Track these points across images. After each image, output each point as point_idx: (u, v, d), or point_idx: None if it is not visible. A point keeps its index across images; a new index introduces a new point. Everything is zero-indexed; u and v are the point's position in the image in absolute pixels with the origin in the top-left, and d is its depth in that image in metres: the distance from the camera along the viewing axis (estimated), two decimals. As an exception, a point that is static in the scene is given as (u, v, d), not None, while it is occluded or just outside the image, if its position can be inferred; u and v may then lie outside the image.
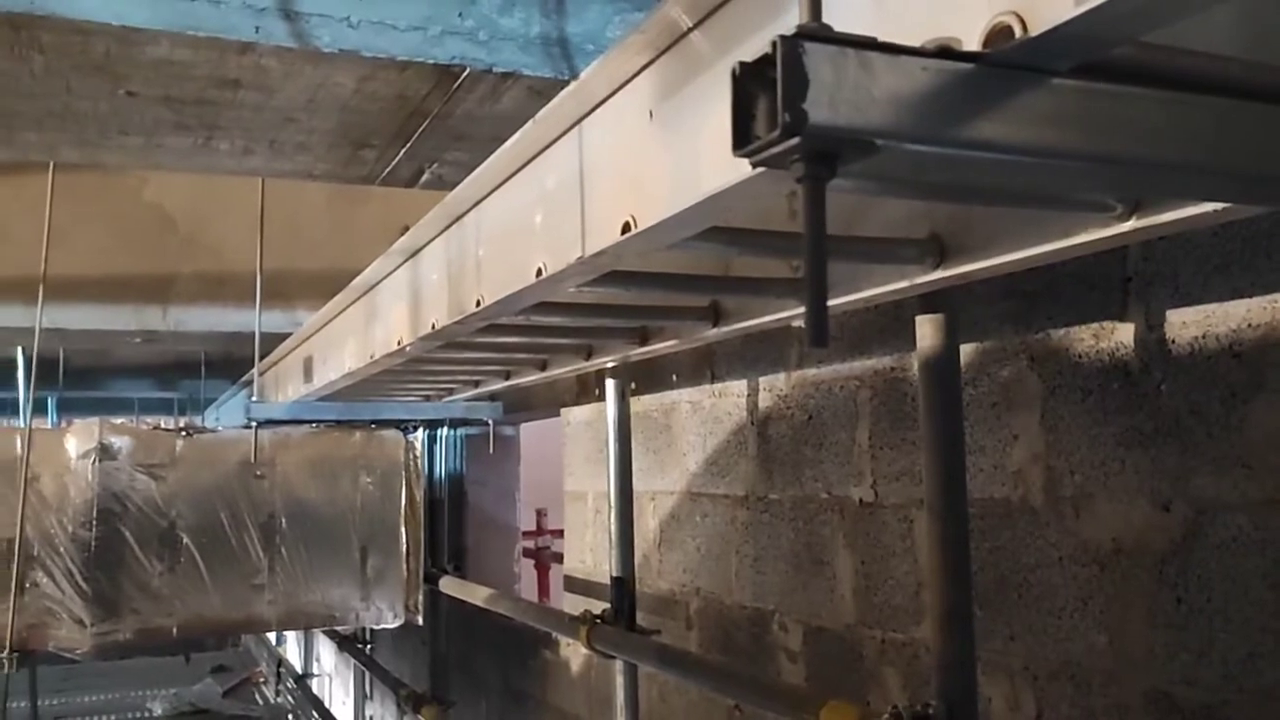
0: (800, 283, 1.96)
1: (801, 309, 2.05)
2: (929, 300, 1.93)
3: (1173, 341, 2.03)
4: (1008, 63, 0.78)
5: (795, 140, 0.70)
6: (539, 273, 1.78)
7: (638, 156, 1.44)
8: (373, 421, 5.13)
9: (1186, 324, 1.99)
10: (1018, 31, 0.78)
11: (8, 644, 4.39)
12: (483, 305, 2.09)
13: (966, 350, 2.40)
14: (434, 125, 2.18)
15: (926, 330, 1.98)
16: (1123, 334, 2.13)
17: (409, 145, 2.30)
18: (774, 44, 0.71)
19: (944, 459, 1.98)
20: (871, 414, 2.84)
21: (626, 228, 1.46)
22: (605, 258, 1.56)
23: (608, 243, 1.51)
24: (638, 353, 2.70)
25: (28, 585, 4.41)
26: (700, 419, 3.71)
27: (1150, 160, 0.88)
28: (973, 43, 0.82)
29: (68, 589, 4.41)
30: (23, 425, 4.74)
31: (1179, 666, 1.99)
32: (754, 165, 0.76)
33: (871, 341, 2.82)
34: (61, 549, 4.42)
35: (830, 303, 1.85)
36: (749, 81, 0.75)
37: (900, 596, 2.68)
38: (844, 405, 2.94)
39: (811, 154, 0.71)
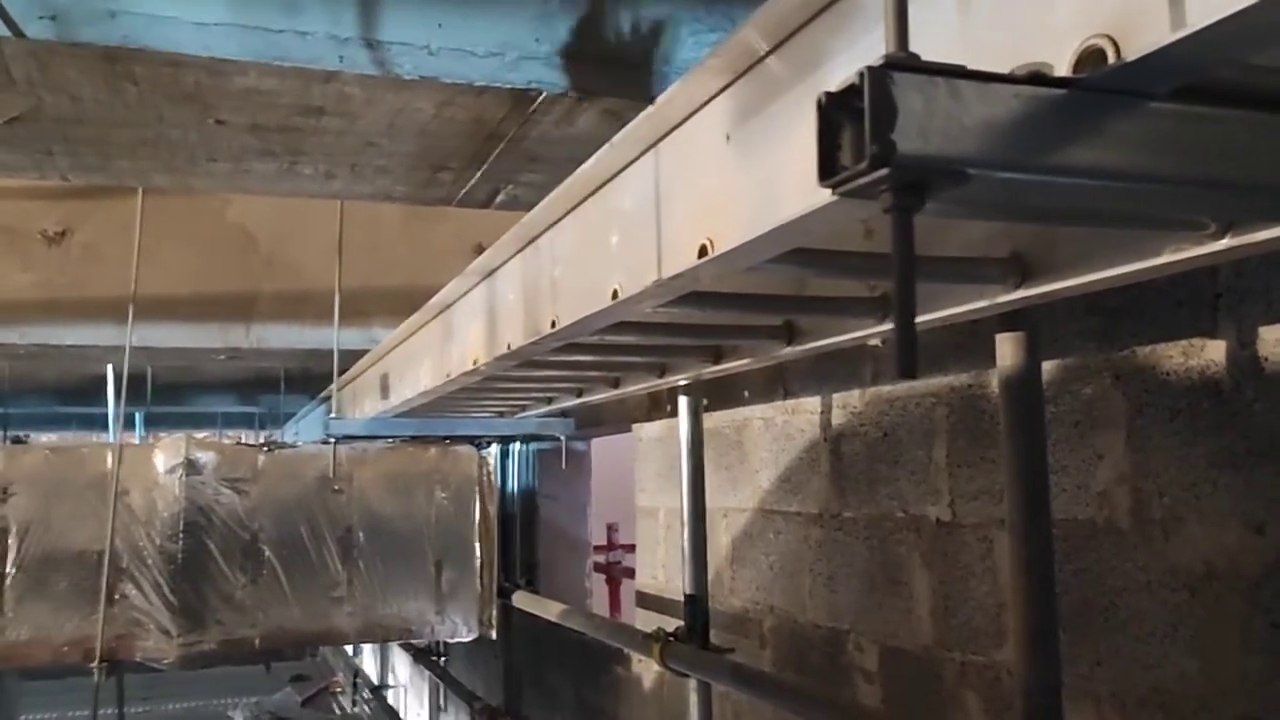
0: (876, 302, 1.95)
1: (878, 328, 2.04)
2: (1009, 318, 1.90)
3: (1265, 359, 1.96)
4: (1101, 87, 0.76)
5: (884, 171, 0.70)
6: (615, 294, 1.79)
7: (714, 180, 1.44)
8: (447, 437, 5.19)
9: (1280, 341, 1.93)
10: (1110, 55, 0.77)
11: (98, 654, 4.52)
12: (558, 326, 2.11)
13: (1048, 367, 2.35)
14: (509, 148, 2.20)
15: (1007, 348, 1.94)
16: (1213, 351, 2.07)
17: (485, 167, 2.33)
18: (861, 74, 0.70)
19: (1026, 478, 1.94)
20: (949, 431, 2.79)
21: (703, 251, 1.46)
22: (682, 280, 1.57)
23: (684, 266, 1.51)
24: (710, 371, 2.70)
25: (117, 597, 4.55)
26: (773, 435, 3.69)
27: (1248, 183, 0.86)
28: (1063, 67, 0.80)
29: (155, 600, 4.54)
30: (113, 441, 4.89)
31: (1273, 693, 1.92)
32: (840, 196, 0.75)
33: (948, 358, 2.78)
34: (149, 561, 4.55)
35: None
36: (834, 111, 0.75)
37: (980, 618, 2.63)
38: (920, 422, 2.90)
39: (900, 184, 0.71)
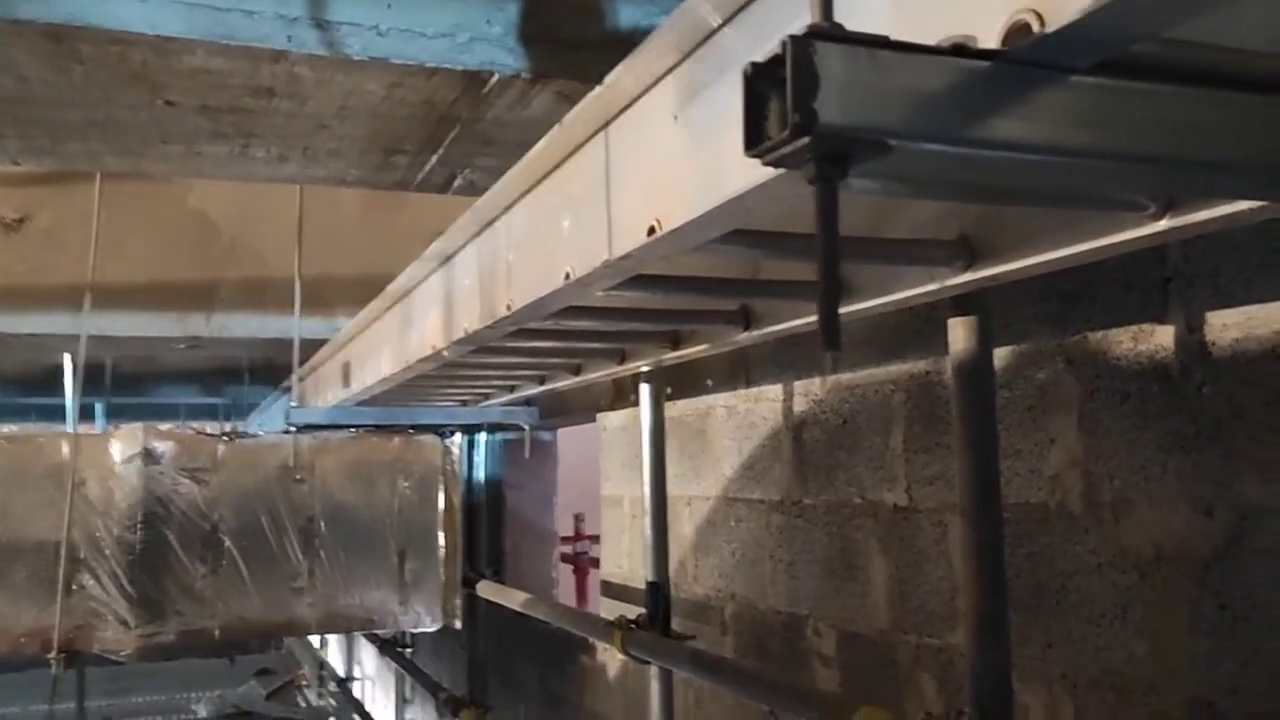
0: (831, 286, 1.95)
1: (832, 312, 2.05)
2: (961, 302, 1.91)
3: (1214, 343, 1.99)
4: (1026, 60, 0.77)
5: (805, 140, 0.70)
6: (567, 276, 1.79)
7: (663, 159, 1.44)
8: (411, 426, 5.17)
9: (1228, 325, 1.95)
10: (1036, 28, 0.77)
11: (55, 645, 4.47)
12: (512, 309, 2.10)
13: (1001, 353, 2.37)
14: (464, 131, 2.19)
15: (959, 333, 1.95)
16: (1162, 336, 2.09)
17: (440, 151, 2.32)
18: (784, 43, 0.70)
19: (978, 463, 1.96)
20: (905, 418, 2.81)
21: (652, 230, 1.46)
22: (631, 261, 1.56)
23: (633, 246, 1.51)
24: (670, 357, 2.70)
25: (74, 588, 4.49)
26: (735, 424, 3.70)
27: (1177, 158, 0.87)
28: (991, 40, 0.81)
29: (113, 591, 4.48)
30: (70, 430, 4.83)
31: (1222, 675, 1.95)
32: (766, 165, 0.75)
33: (906, 344, 2.80)
34: (107, 552, 4.50)
35: (860, 306, 1.83)
36: (761, 81, 0.75)
37: (935, 602, 2.65)
38: (878, 409, 2.92)
39: (822, 154, 0.71)
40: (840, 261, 0.70)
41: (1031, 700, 2.32)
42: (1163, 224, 1.30)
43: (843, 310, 2.06)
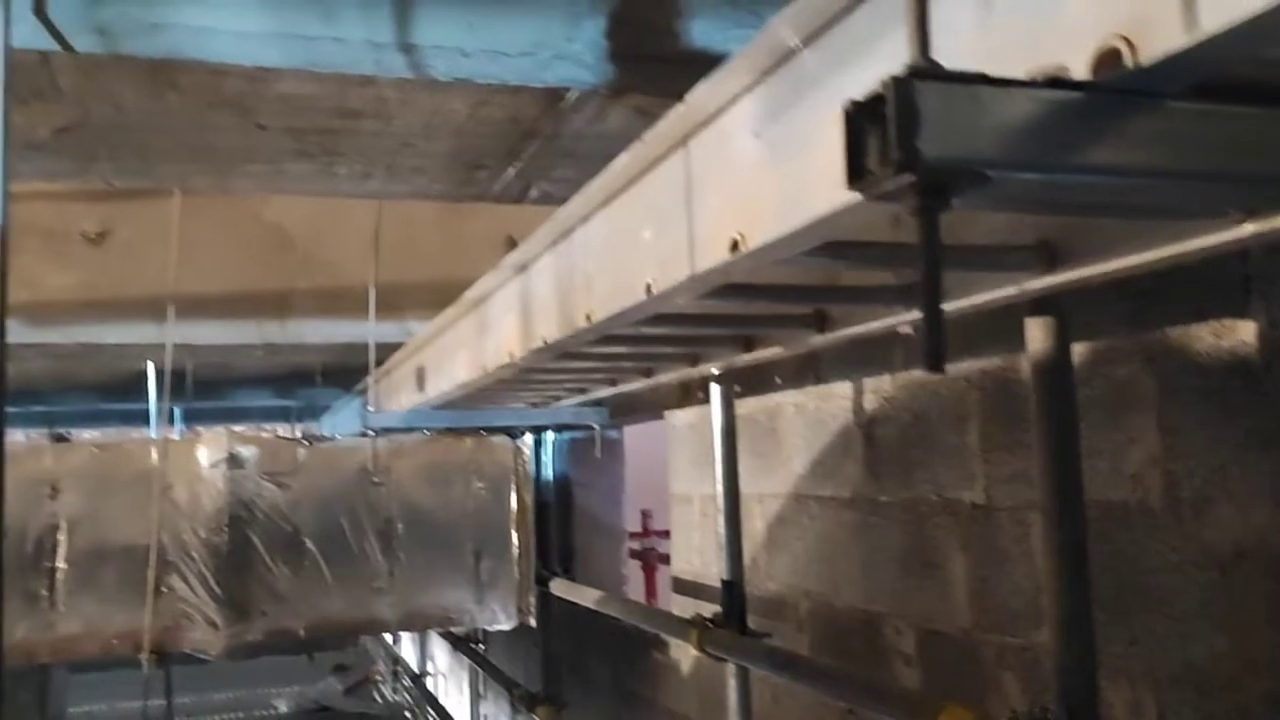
0: (905, 290, 1.97)
1: (906, 315, 2.07)
2: (1038, 302, 1.92)
3: (1297, 339, 1.97)
4: (1117, 89, 0.79)
5: (909, 176, 0.73)
6: (648, 289, 1.83)
7: (744, 175, 1.48)
8: (482, 428, 5.26)
9: (1311, 321, 1.94)
10: (1126, 56, 0.80)
11: (146, 646, 4.63)
12: (592, 320, 2.15)
13: (1078, 350, 2.36)
14: (543, 145, 2.24)
15: (1037, 333, 1.96)
16: (1244, 332, 2.07)
17: (519, 164, 2.37)
18: (885, 84, 0.74)
19: (1058, 462, 1.97)
20: (981, 415, 2.81)
21: (735, 245, 1.49)
22: (713, 274, 1.60)
23: (716, 261, 1.55)
24: (743, 360, 2.73)
25: (163, 590, 4.65)
26: (805, 421, 3.72)
27: (1264, 175, 0.88)
28: (1080, 68, 0.83)
29: (201, 593, 4.64)
30: (154, 436, 5.00)
31: (1308, 672, 1.94)
32: (867, 199, 0.79)
33: (979, 341, 2.80)
34: (194, 554, 4.65)
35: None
36: (860, 118, 0.78)
37: (1018, 601, 2.65)
38: (952, 407, 2.92)
39: (925, 187, 0.74)
40: (942, 290, 0.73)
41: (1115, 697, 2.32)
42: (1248, 229, 1.31)
43: (917, 314, 2.08)
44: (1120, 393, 2.34)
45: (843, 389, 3.48)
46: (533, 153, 2.28)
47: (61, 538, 4.54)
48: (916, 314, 2.07)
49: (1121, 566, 2.30)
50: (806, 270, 2.11)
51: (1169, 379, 2.23)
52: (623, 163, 1.81)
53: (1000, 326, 2.70)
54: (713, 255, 1.56)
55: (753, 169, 1.45)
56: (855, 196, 1.12)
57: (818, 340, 2.35)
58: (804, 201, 1.27)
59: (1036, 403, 1.98)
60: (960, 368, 2.88)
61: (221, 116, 2.08)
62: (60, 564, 4.53)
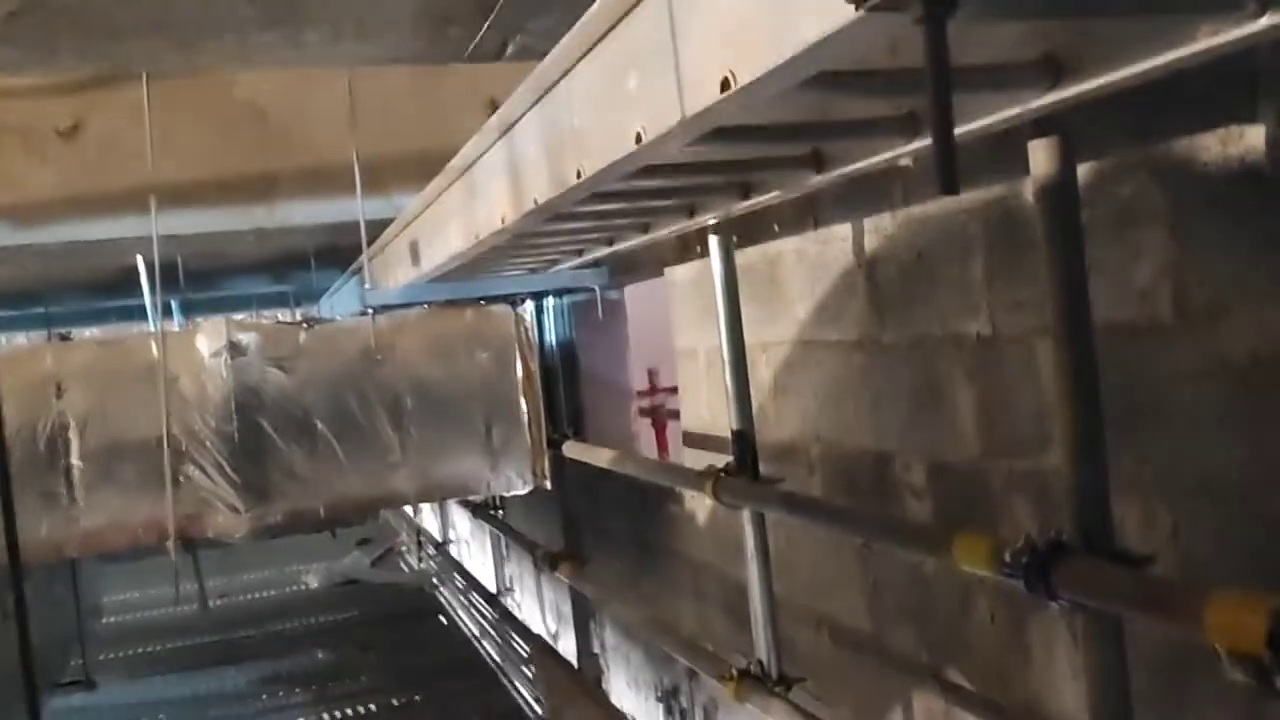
0: (904, 120, 1.91)
1: (908, 147, 2.01)
2: (1041, 123, 1.86)
3: (1309, 140, 1.91)
4: None
5: (914, -20, 0.68)
6: (638, 138, 1.77)
7: (731, 9, 1.40)
8: (482, 298, 5.23)
9: (1323, 120, 1.87)
10: None
11: (171, 534, 4.72)
12: (583, 176, 2.09)
13: (1082, 170, 2.29)
14: (516, -7, 2.14)
15: (1041, 155, 1.91)
16: (1252, 137, 2.01)
17: (493, 16, 2.27)
18: (884, -122, 0.67)
19: (1067, 284, 1.94)
20: (985, 246, 2.77)
21: (725, 85, 1.43)
22: (705, 117, 1.54)
23: (707, 102, 1.48)
24: (741, 207, 2.68)
25: (181, 479, 4.71)
26: (807, 267, 3.68)
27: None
28: None
29: (219, 479, 4.70)
30: (153, 330, 4.97)
31: (1324, 475, 1.95)
32: (869, 11, 0.73)
33: (979, 171, 2.72)
34: (208, 443, 4.69)
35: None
36: (858, -79, 0.72)
37: (1026, 426, 2.66)
38: (955, 240, 2.87)
39: (931, -8, 0.69)
40: (952, 101, 0.68)
41: (1127, 514, 2.34)
42: (1263, 21, 1.24)
43: (918, 144, 2.02)
44: (1127, 210, 2.29)
45: (842, 231, 3.43)
46: (507, 2, 2.18)
47: (73, 435, 4.57)
48: (916, 145, 2.02)
49: (1133, 385, 2.30)
50: (800, 108, 2.03)
51: (1176, 190, 2.17)
52: (601, 6, 1.72)
53: (1001, 154, 2.63)
54: (703, 96, 1.49)
55: (740, 2, 1.37)
56: (849, 17, 1.06)
57: (816, 180, 2.30)
58: (797, 29, 1.20)
59: (1043, 226, 1.94)
60: (962, 200, 2.82)
61: (179, -15, 1.98)
62: (75, 461, 4.57)
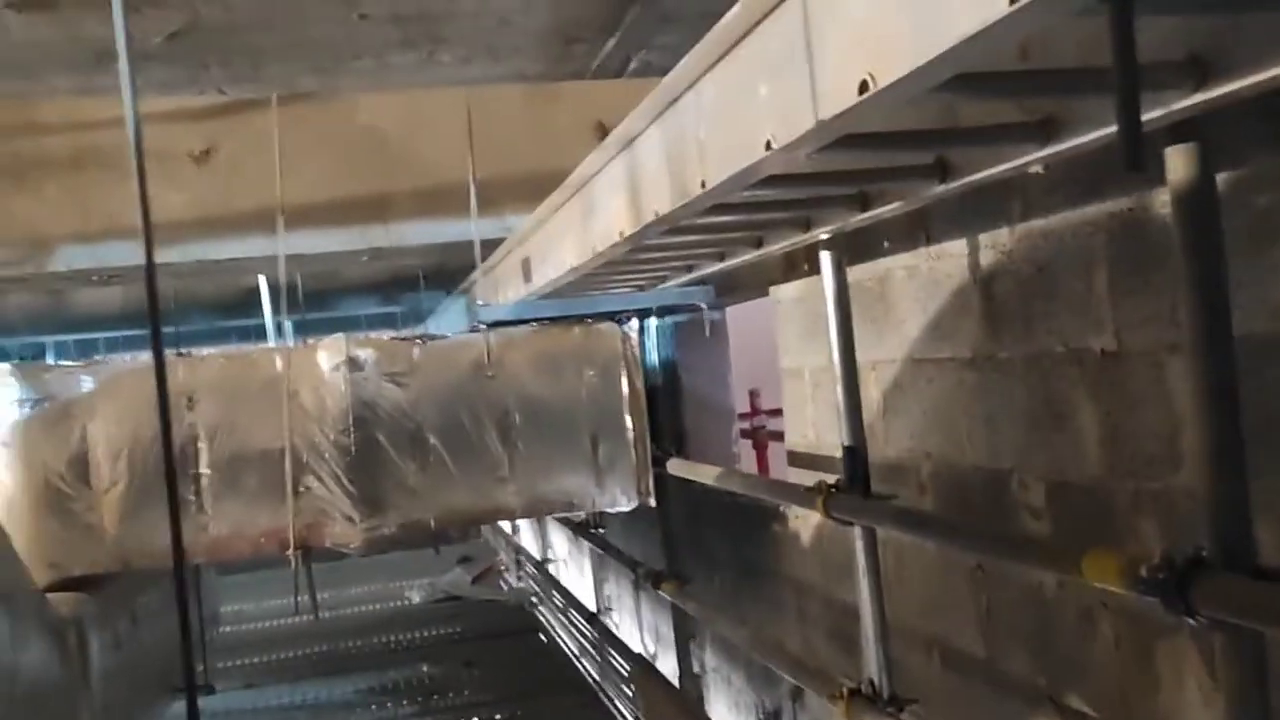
0: (1035, 126, 1.89)
1: (1039, 153, 1.99)
2: (1179, 130, 1.82)
3: None
4: None
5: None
6: (768, 145, 1.79)
7: (870, 11, 1.42)
8: (588, 316, 5.30)
9: None
10: None
11: (291, 543, 4.88)
12: (708, 186, 2.12)
13: (1219, 179, 2.24)
14: (643, 10, 2.19)
15: (1178, 162, 1.87)
16: (1403, 144, 1.94)
17: (618, 34, 2.33)
18: None
19: (1205, 296, 1.90)
20: (1109, 260, 2.71)
21: (864, 87, 1.44)
22: (842, 120, 1.55)
23: (845, 105, 1.50)
24: (860, 218, 2.68)
25: (301, 489, 4.87)
26: (918, 284, 3.65)
27: None
28: None
29: (336, 491, 4.84)
30: (276, 347, 5.16)
31: None
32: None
33: (1104, 183, 2.68)
34: (326, 455, 4.84)
35: (1078, 141, 1.77)
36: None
37: (1153, 445, 2.59)
38: (1077, 253, 2.82)
39: (1113, -29, 0.70)
40: (1140, 78, 0.69)
41: (1266, 534, 2.26)
42: None
43: (1049, 150, 2.00)
44: (1265, 220, 2.22)
45: (956, 247, 3.39)
46: (632, 20, 2.23)
47: (202, 446, 4.76)
48: (1048, 152, 2.00)
49: (1271, 401, 2.22)
50: (927, 114, 2.04)
51: (1320, 201, 2.11)
52: (733, 16, 1.76)
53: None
54: (840, 100, 1.51)
55: (879, 3, 1.39)
56: (1002, 10, 1.07)
57: (938, 190, 2.29)
58: (943, 27, 1.21)
59: (1180, 235, 1.91)
60: (1084, 213, 2.77)
61: (326, 8, 2.08)
62: (204, 470, 4.76)
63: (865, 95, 1.43)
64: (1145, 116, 1.64)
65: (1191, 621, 1.90)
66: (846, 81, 1.49)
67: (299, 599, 5.62)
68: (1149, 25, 1.53)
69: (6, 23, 1.96)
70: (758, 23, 1.75)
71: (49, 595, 4.47)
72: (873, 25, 1.41)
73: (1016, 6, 0.91)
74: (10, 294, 6.84)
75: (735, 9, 1.73)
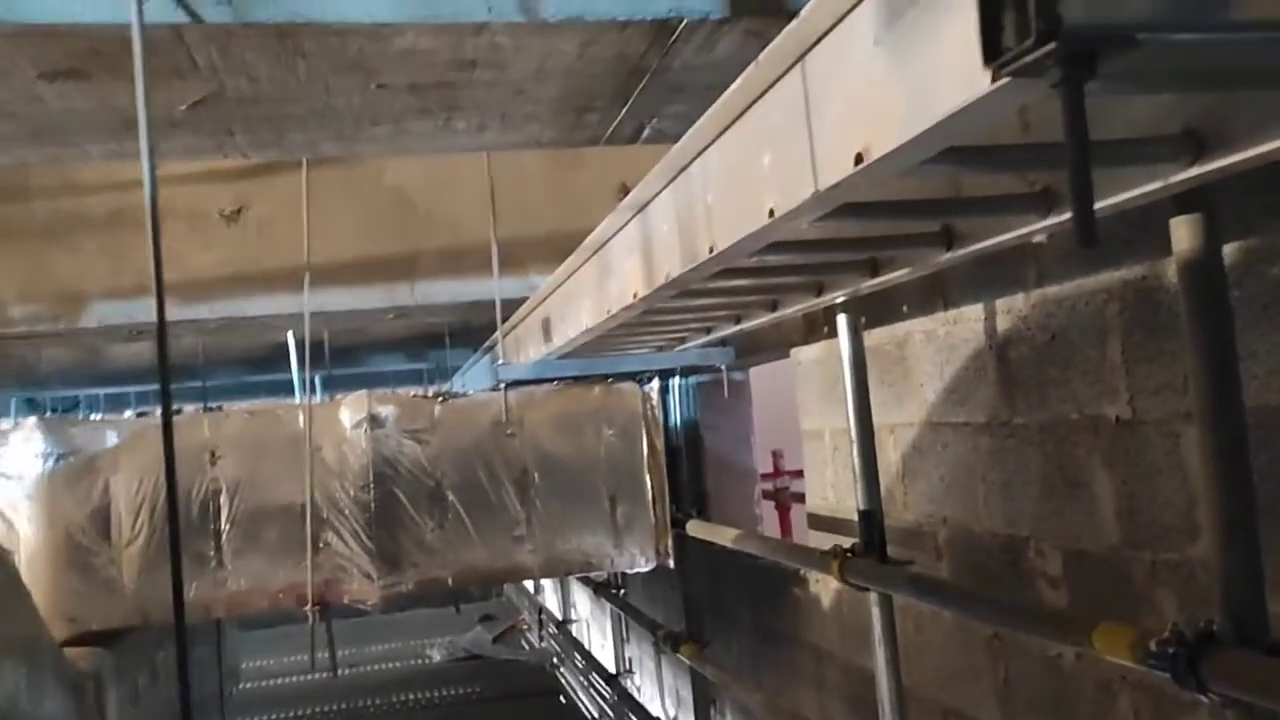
0: (1037, 197, 1.91)
1: (1041, 223, 2.00)
2: (1184, 200, 1.83)
3: None
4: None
5: (1051, 46, 0.70)
6: (771, 213, 1.81)
7: (865, 86, 1.44)
8: (609, 376, 5.33)
9: None
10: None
11: (310, 598, 4.89)
12: (716, 250, 2.14)
13: (1229, 250, 2.24)
14: (652, 81, 2.23)
15: (1183, 232, 1.88)
16: None
17: (630, 104, 2.37)
18: (1020, -48, 0.71)
19: (1213, 366, 1.89)
20: (1122, 327, 2.71)
21: (859, 159, 1.46)
22: (839, 190, 1.57)
23: (841, 176, 1.52)
24: (870, 284, 2.69)
25: (321, 545, 4.89)
26: (935, 348, 3.65)
27: None
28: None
29: (355, 547, 4.86)
30: (299, 403, 5.22)
31: None
32: (1006, 76, 0.76)
33: (1117, 252, 2.69)
34: (346, 511, 4.87)
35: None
36: (994, -5, 0.75)
37: (1170, 515, 2.56)
38: (1091, 321, 2.82)
39: (1068, 57, 0.71)
40: (1091, 160, 0.70)
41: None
42: None
43: (1052, 220, 2.01)
44: (1275, 291, 2.22)
45: (973, 312, 3.40)
46: (642, 90, 2.28)
47: (224, 500, 4.80)
48: (1050, 222, 2.01)
49: (1284, 472, 2.20)
50: (931, 183, 2.06)
51: (1330, 272, 2.10)
52: (737, 89, 1.79)
53: (1138, 236, 2.59)
54: (836, 171, 1.53)
55: (874, 78, 1.41)
56: (984, 89, 1.09)
57: (946, 258, 2.30)
58: (930, 103, 1.24)
59: (1186, 305, 1.90)
60: (1098, 280, 2.78)
61: (346, 79, 2.14)
62: (225, 525, 4.79)
63: (860, 166, 1.46)
64: (1144, 189, 1.66)
65: (1203, 699, 1.86)
66: (844, 152, 1.51)
67: (318, 655, 5.59)
68: (1145, 100, 1.56)
69: (39, 92, 2.03)
70: (761, 94, 1.78)
71: (67, 650, 4.50)
72: (868, 98, 1.44)
73: (992, 88, 0.93)
74: (46, 348, 6.97)
75: (739, 80, 1.76)
